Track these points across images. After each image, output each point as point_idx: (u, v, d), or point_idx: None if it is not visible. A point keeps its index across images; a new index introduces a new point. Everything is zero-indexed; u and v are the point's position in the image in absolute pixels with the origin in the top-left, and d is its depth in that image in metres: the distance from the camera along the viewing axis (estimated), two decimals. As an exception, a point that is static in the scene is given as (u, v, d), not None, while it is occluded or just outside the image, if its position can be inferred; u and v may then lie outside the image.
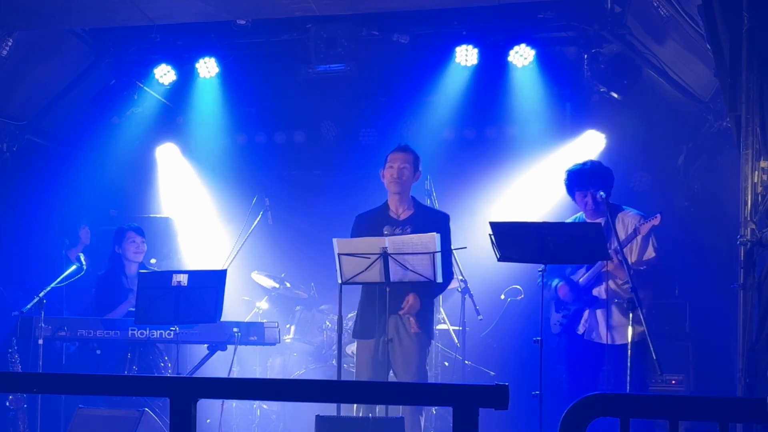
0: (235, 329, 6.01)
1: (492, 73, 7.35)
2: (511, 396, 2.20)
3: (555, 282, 5.48)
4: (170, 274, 5.69)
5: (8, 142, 7.42)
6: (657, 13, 6.26)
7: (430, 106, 7.74)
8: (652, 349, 4.69)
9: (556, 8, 7.00)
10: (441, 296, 6.60)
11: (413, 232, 5.19)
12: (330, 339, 6.87)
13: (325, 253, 5.29)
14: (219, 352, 6.10)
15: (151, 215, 7.99)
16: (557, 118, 7.53)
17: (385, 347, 5.13)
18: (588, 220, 5.45)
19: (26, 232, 7.42)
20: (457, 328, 6.59)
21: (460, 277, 6.37)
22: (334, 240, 5.07)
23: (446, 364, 6.85)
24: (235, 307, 7.06)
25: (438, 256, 4.95)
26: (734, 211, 4.94)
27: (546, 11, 7.03)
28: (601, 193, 5.24)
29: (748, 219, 4.69)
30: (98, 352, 6.24)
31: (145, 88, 7.77)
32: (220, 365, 6.17)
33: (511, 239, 4.93)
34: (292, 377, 6.65)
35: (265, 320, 6.44)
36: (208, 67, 7.55)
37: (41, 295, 5.82)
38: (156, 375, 6.06)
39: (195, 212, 8.16)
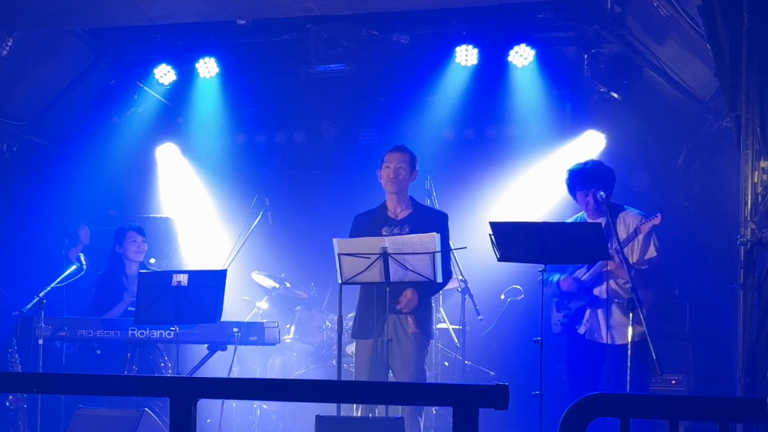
0: (235, 329, 6.00)
1: (492, 73, 7.36)
2: (511, 396, 2.20)
3: (556, 276, 5.48)
4: (170, 274, 5.68)
5: (8, 142, 7.42)
6: (657, 13, 6.26)
7: (430, 106, 7.74)
8: (652, 349, 4.70)
9: (556, 8, 7.00)
10: (441, 296, 6.62)
11: (411, 231, 5.20)
12: (330, 339, 6.87)
13: (325, 253, 5.29)
14: (219, 352, 6.10)
15: (151, 215, 7.99)
16: (557, 118, 7.53)
17: (384, 347, 5.12)
18: (589, 220, 5.45)
19: (26, 232, 7.42)
20: (457, 327, 6.59)
21: (460, 277, 6.37)
22: (334, 240, 5.07)
23: (446, 364, 6.85)
24: (235, 307, 7.06)
25: (438, 256, 4.95)
26: (734, 211, 4.94)
27: (546, 11, 7.03)
28: (601, 193, 5.24)
29: (748, 219, 4.70)
30: (98, 352, 6.24)
31: (145, 88, 7.77)
32: (220, 365, 6.17)
33: (511, 239, 4.93)
34: (292, 377, 6.65)
35: (265, 320, 6.44)
36: (208, 67, 7.55)
37: (41, 295, 5.82)
38: (156, 375, 6.06)
39: (195, 212, 8.16)
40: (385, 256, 4.96)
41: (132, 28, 7.18)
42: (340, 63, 7.26)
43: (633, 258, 5.25)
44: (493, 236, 4.88)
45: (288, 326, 7.11)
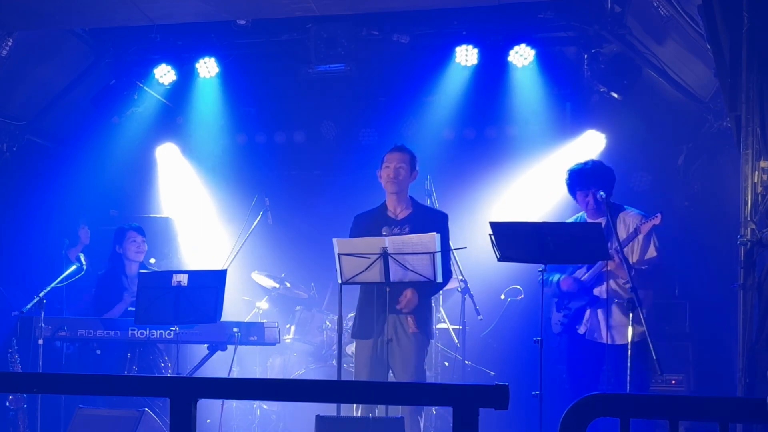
0: (235, 329, 6.00)
1: (492, 73, 7.35)
2: (511, 396, 2.20)
3: (556, 276, 5.48)
4: (170, 274, 5.68)
5: (8, 142, 7.42)
6: (657, 13, 6.26)
7: (430, 106, 7.74)
8: (652, 349, 4.70)
9: (556, 8, 7.00)
10: (441, 296, 6.62)
11: (411, 231, 5.20)
12: (330, 339, 6.87)
13: (325, 253, 5.29)
14: (219, 352, 6.09)
15: (151, 215, 7.99)
16: (557, 118, 7.52)
17: (384, 347, 5.12)
18: (589, 220, 5.45)
19: (26, 232, 7.42)
20: (457, 327, 6.59)
21: (460, 277, 6.37)
22: (334, 240, 5.07)
23: (446, 364, 6.85)
24: (235, 307, 7.06)
25: (438, 256, 4.95)
26: (734, 211, 4.94)
27: (546, 11, 7.03)
28: (601, 193, 5.24)
29: (748, 219, 4.70)
30: (98, 352, 6.24)
31: (145, 88, 7.77)
32: (220, 365, 6.16)
33: (511, 239, 4.93)
34: (292, 377, 6.65)
35: (265, 320, 6.44)
36: (208, 67, 7.55)
37: (41, 295, 5.82)
38: (156, 375, 6.06)
39: (195, 212, 8.16)
40: (385, 256, 4.96)
41: (132, 28, 7.18)
42: (340, 63, 7.26)
43: (633, 258, 5.25)
44: (493, 236, 4.88)
45: (288, 326, 7.11)
